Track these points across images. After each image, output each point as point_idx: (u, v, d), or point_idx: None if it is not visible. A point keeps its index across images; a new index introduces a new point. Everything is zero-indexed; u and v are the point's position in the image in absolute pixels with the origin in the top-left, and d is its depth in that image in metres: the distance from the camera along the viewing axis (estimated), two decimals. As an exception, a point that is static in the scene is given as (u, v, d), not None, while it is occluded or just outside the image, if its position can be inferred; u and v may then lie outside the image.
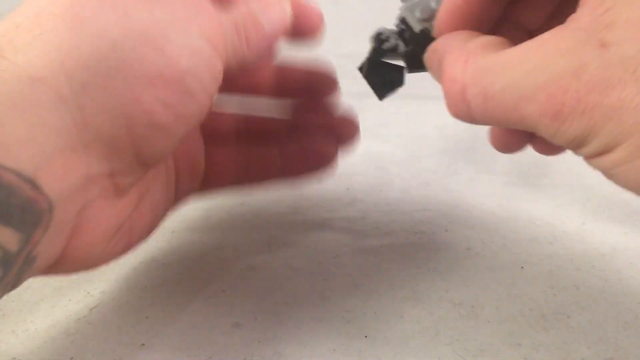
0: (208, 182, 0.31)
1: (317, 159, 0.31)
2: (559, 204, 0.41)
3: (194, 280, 0.32)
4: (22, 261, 0.18)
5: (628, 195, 0.42)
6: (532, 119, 0.18)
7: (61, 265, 0.21)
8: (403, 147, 0.50)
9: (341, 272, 0.33)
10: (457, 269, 0.33)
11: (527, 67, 0.18)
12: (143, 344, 0.27)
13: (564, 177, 0.44)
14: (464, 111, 0.20)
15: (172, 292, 0.31)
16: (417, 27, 0.26)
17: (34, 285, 0.31)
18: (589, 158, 0.18)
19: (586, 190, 0.42)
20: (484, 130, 0.27)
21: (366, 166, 0.48)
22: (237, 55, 0.23)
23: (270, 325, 0.28)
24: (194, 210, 0.40)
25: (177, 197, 0.29)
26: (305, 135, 0.32)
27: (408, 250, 0.35)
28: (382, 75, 0.27)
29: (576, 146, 0.18)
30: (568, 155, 0.28)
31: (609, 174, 0.18)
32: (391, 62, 0.27)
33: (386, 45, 0.26)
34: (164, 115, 0.20)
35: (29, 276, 0.20)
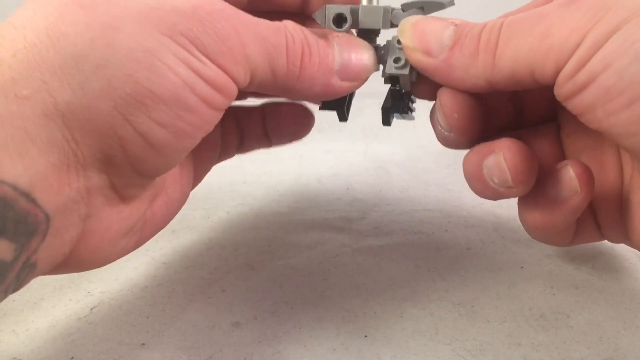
0: (225, 153, 0.31)
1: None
2: (558, 204, 0.41)
3: (194, 280, 0.32)
4: (20, 267, 0.18)
5: (627, 195, 0.41)
6: (547, 18, 0.19)
7: (69, 266, 0.21)
8: (403, 147, 0.50)
9: (341, 272, 0.33)
10: (457, 269, 0.33)
11: None
12: (143, 344, 0.27)
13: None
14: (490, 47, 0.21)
15: (172, 292, 0.31)
16: (407, 87, 0.26)
17: (35, 285, 0.31)
18: (598, 43, 0.18)
19: (586, 190, 0.42)
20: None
21: (366, 166, 0.48)
22: (277, 71, 0.22)
23: (270, 325, 0.28)
24: (194, 210, 0.40)
25: (195, 182, 0.29)
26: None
27: (408, 250, 0.35)
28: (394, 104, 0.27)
29: (585, 27, 0.18)
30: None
31: (631, 52, 0.17)
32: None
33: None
34: (161, 135, 0.19)
35: (33, 278, 0.20)
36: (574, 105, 0.20)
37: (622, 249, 0.35)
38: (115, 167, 0.20)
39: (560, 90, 0.20)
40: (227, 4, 0.21)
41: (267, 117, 0.31)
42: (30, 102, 0.18)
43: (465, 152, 0.26)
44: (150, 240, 0.27)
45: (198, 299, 0.30)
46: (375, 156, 0.50)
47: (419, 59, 0.23)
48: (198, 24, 0.19)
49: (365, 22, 0.25)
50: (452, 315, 0.29)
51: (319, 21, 0.25)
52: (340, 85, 0.23)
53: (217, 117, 0.21)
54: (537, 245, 0.36)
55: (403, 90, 0.26)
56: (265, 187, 0.44)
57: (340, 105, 0.27)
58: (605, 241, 0.36)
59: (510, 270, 0.33)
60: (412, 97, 0.27)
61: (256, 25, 0.21)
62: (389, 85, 0.26)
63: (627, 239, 0.25)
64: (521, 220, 0.26)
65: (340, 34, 0.24)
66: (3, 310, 0.29)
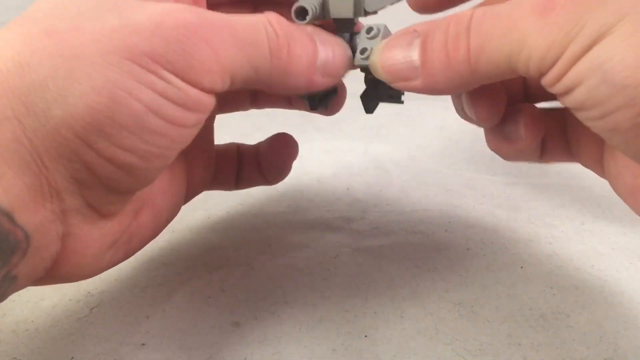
0: (222, 182, 0.32)
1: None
2: (558, 204, 0.41)
3: (194, 280, 0.32)
4: (0, 280, 0.19)
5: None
6: (522, 24, 0.19)
7: (54, 278, 0.21)
8: (403, 147, 0.50)
9: (341, 272, 0.33)
10: (457, 269, 0.33)
11: None
12: (143, 344, 0.27)
13: (563, 177, 0.44)
14: (464, 57, 0.20)
15: (172, 292, 0.31)
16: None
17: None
18: (573, 60, 0.18)
19: (585, 190, 0.42)
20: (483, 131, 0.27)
21: (366, 166, 0.48)
22: (260, 68, 0.21)
23: (270, 325, 0.28)
24: (194, 210, 0.40)
25: (187, 198, 0.29)
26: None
27: (408, 250, 0.35)
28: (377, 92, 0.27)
29: (562, 44, 0.18)
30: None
31: (599, 73, 0.17)
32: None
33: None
34: (127, 159, 0.19)
35: (15, 290, 0.20)
36: (561, 101, 0.20)
37: (621, 248, 0.35)
38: (88, 189, 0.20)
39: (548, 89, 0.20)
40: (193, 13, 0.20)
41: (261, 155, 0.32)
42: (2, 127, 0.18)
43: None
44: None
45: (198, 299, 0.30)
46: (375, 156, 0.50)
47: (400, 86, 0.23)
48: (161, 42, 0.19)
49: (336, 12, 0.25)
50: (452, 315, 0.29)
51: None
52: (321, 81, 0.23)
53: (190, 133, 0.21)
54: (537, 245, 0.36)
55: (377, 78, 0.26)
56: (265, 187, 0.44)
57: (326, 97, 0.27)
58: (604, 241, 0.36)
59: (510, 270, 0.33)
60: None
61: (230, 27, 0.20)
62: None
63: (602, 171, 0.25)
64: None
65: (318, 29, 0.24)
66: (3, 310, 0.29)
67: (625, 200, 0.23)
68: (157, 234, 0.26)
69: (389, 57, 0.23)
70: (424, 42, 0.22)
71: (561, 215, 0.39)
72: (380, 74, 0.23)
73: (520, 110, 0.25)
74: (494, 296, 0.30)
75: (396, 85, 0.23)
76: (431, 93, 0.23)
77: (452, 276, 0.32)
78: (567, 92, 0.19)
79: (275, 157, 0.32)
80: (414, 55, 0.22)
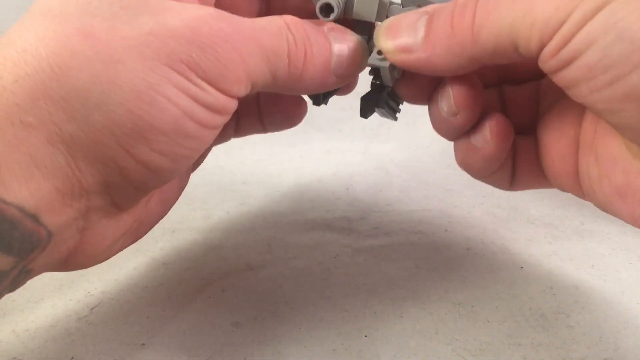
0: (222, 136, 0.31)
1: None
2: (558, 204, 0.41)
3: (194, 280, 0.32)
4: (16, 274, 0.19)
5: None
6: None
7: (66, 267, 0.22)
8: (403, 147, 0.50)
9: (341, 272, 0.33)
10: (457, 269, 0.33)
11: None
12: (143, 344, 0.27)
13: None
14: (469, 30, 0.20)
15: (172, 292, 0.31)
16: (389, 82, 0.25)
17: (35, 285, 0.31)
18: (583, 20, 0.17)
19: (586, 190, 0.42)
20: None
21: (366, 166, 0.48)
22: (278, 75, 0.22)
23: (270, 325, 0.28)
24: (194, 210, 0.40)
25: (194, 168, 0.29)
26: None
27: (408, 250, 0.35)
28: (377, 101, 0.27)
29: (571, 4, 0.17)
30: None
31: (614, 30, 0.17)
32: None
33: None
34: (160, 162, 0.20)
35: (28, 280, 0.20)
36: (559, 79, 0.19)
37: (621, 248, 0.35)
38: (116, 189, 0.20)
39: (545, 65, 0.19)
40: (226, 20, 0.20)
41: (262, 103, 0.31)
42: (35, 130, 0.18)
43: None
44: (151, 240, 0.27)
45: (198, 299, 0.30)
46: (375, 156, 0.50)
47: (400, 58, 0.23)
48: (197, 50, 0.19)
49: (360, 13, 0.25)
50: (452, 315, 0.29)
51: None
52: (334, 81, 0.24)
53: (215, 134, 0.21)
54: (537, 245, 0.36)
55: (384, 85, 0.26)
56: (266, 187, 0.44)
57: (329, 93, 0.28)
58: (604, 241, 0.36)
59: (510, 270, 0.33)
60: (397, 98, 0.27)
61: (257, 37, 0.21)
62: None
63: (581, 190, 0.24)
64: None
65: (336, 27, 0.24)
66: (3, 310, 0.29)
67: (611, 207, 0.22)
68: (162, 217, 0.26)
69: (396, 23, 0.23)
70: (431, 16, 0.22)
71: (561, 215, 0.39)
72: (382, 43, 0.23)
73: (487, 115, 0.24)
74: (494, 296, 0.30)
75: (396, 59, 0.23)
76: (429, 69, 0.22)
77: (452, 276, 0.32)
78: (573, 59, 0.18)
79: (282, 114, 0.31)
80: (420, 28, 0.22)
